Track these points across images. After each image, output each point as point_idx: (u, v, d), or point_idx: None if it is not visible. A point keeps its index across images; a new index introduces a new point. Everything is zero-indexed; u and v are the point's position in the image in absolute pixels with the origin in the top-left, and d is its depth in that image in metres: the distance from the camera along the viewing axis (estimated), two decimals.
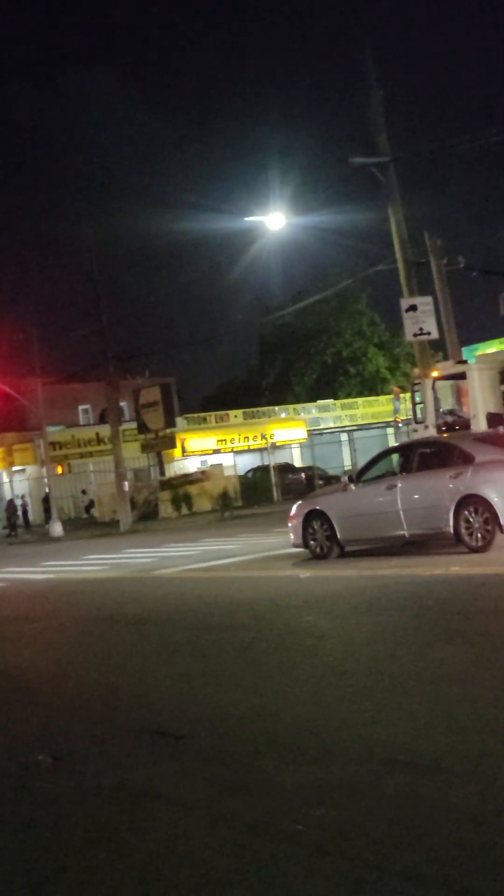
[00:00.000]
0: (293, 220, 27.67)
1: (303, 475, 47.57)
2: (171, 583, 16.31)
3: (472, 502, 13.83)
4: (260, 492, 44.49)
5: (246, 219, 28.24)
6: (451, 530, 14.12)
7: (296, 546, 16.90)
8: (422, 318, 22.03)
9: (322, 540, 16.24)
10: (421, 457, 15.41)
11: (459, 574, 12.13)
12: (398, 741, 5.40)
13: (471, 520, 13.85)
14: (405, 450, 16.51)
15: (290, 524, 17.12)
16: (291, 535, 17.04)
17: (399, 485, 15.05)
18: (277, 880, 3.87)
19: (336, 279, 49.97)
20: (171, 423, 43.27)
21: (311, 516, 16.51)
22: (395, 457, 16.81)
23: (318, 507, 16.56)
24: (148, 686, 8.00)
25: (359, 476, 16.58)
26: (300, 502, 17.60)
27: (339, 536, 15.98)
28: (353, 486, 16.11)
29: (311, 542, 16.43)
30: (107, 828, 4.67)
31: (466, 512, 13.90)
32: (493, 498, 13.58)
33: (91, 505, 50.50)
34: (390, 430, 56.96)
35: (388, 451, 17.90)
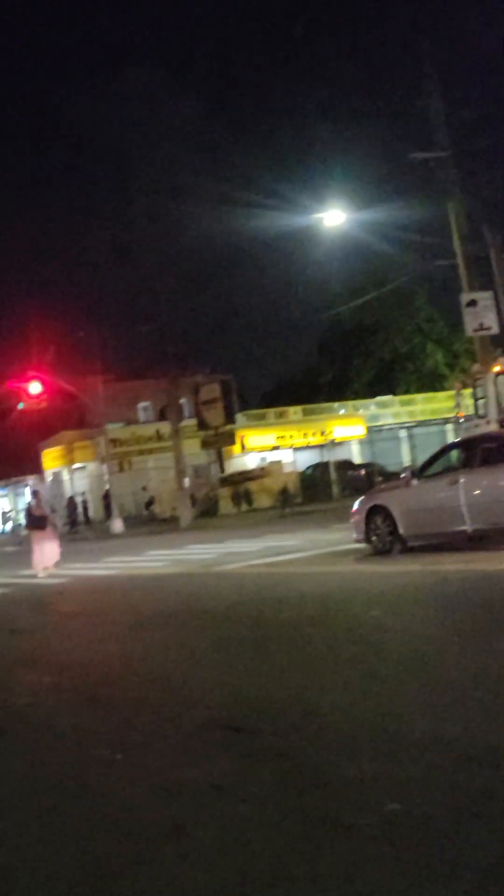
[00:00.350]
0: (352, 217, 27.59)
1: (362, 471, 47.36)
2: (233, 578, 16.32)
3: None
4: (319, 488, 44.37)
5: (305, 216, 28.22)
6: None
7: (358, 541, 16.84)
8: (482, 313, 21.88)
9: (384, 535, 16.13)
10: (483, 452, 15.23)
11: None
12: (469, 736, 5.33)
13: None
14: (467, 445, 16.34)
15: (352, 520, 17.06)
16: (354, 531, 16.99)
17: (462, 480, 14.91)
18: (348, 875, 3.83)
19: (394, 275, 49.69)
20: (230, 419, 43.34)
21: (373, 512, 16.42)
22: (456, 452, 16.68)
23: (380, 503, 16.47)
24: (212, 681, 7.99)
25: (421, 471, 16.47)
26: (362, 498, 17.53)
27: (401, 532, 15.87)
28: (415, 482, 16.02)
29: (374, 538, 16.34)
30: (175, 822, 4.64)
31: None
32: None
33: (151, 501, 50.76)
34: (449, 426, 56.49)
35: (451, 447, 17.73)
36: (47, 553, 22.47)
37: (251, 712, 6.61)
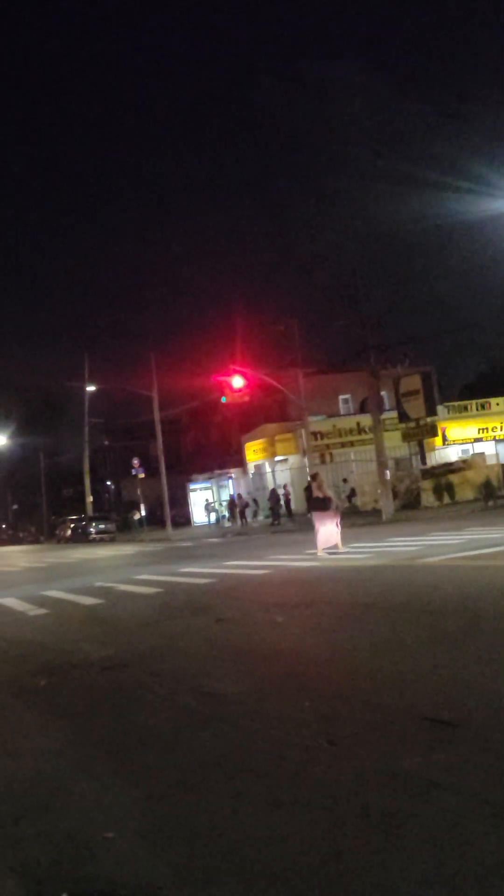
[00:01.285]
0: None
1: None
2: (438, 571, 16.06)
3: None
4: None
5: None
6: None
7: None
8: None
9: None
10: None
11: None
12: None
13: None
14: None
15: None
16: None
17: None
18: None
19: None
20: (431, 411, 42.82)
21: None
22: None
23: None
24: (420, 673, 7.87)
25: None
26: None
27: None
28: None
29: None
30: (385, 813, 4.63)
31: None
32: None
33: (353, 494, 50.71)
34: None
35: None
36: (329, 534, 23.12)
37: (462, 706, 6.49)
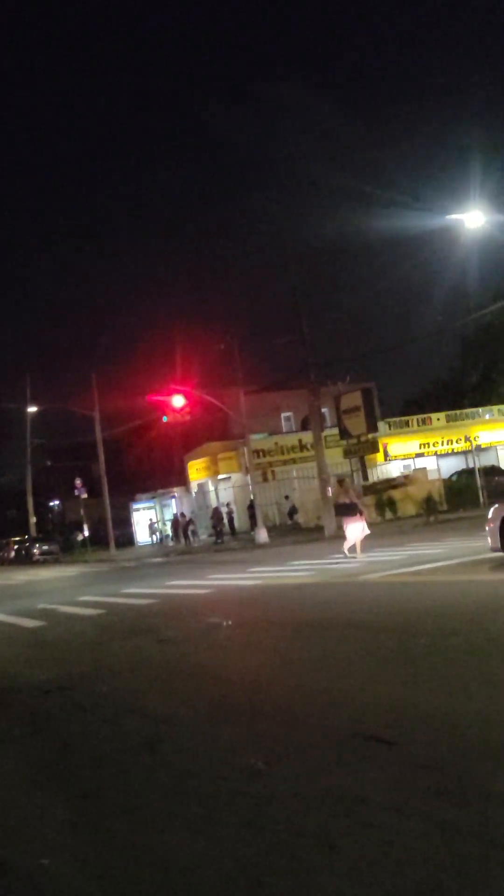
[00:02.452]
0: (493, 217, 27.12)
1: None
2: (378, 587, 16.21)
3: None
4: (465, 495, 43.70)
5: (445, 217, 27.88)
6: None
7: (493, 550, 16.79)
8: None
9: None
10: None
11: None
12: None
13: None
14: None
15: (487, 528, 16.95)
16: (489, 539, 16.89)
17: None
18: (497, 890, 3.77)
19: None
20: (372, 427, 43.08)
21: None
22: None
23: None
24: (356, 691, 7.94)
25: None
26: (496, 506, 17.44)
27: None
28: None
29: None
30: (321, 832, 4.68)
31: None
32: None
33: (295, 511, 50.85)
34: None
35: None
36: (357, 537, 23.68)
37: (398, 723, 6.55)
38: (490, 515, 17.01)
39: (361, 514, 24.25)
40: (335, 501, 24.75)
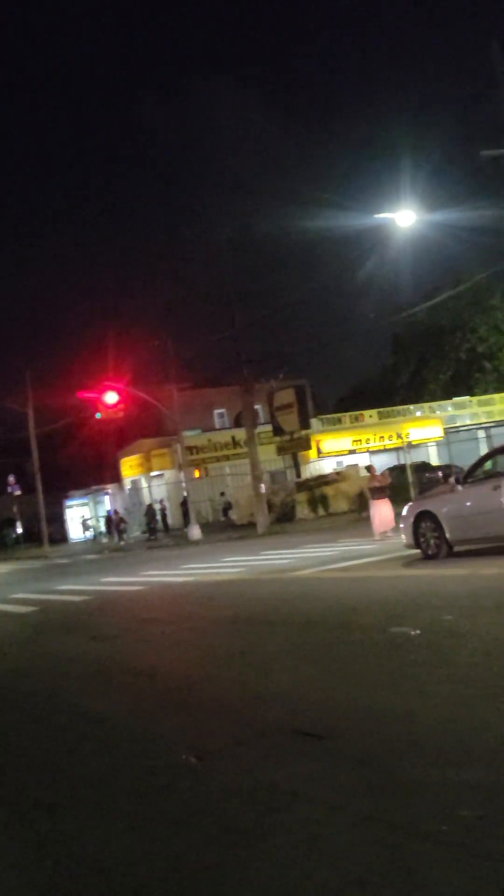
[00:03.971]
0: (424, 217, 27.41)
1: (440, 474, 46.96)
2: (309, 583, 16.33)
3: None
4: (397, 491, 44.11)
5: (375, 216, 28.10)
6: None
7: (408, 547, 17.17)
8: None
9: (431, 540, 16.35)
10: None
11: None
12: None
13: None
14: None
15: (401, 525, 17.30)
16: (403, 536, 17.32)
17: None
18: (422, 882, 3.85)
19: (469, 274, 49.23)
20: (305, 424, 43.31)
21: (421, 517, 16.69)
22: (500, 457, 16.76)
23: (427, 509, 16.71)
24: (287, 686, 8.01)
25: (466, 477, 16.44)
26: (411, 503, 17.82)
27: (448, 536, 16.08)
28: (460, 487, 16.10)
29: (422, 542, 16.58)
30: (251, 827, 4.71)
31: None
32: None
33: (228, 507, 50.93)
34: None
35: (495, 452, 17.76)
36: (385, 519, 23.81)
37: (328, 718, 6.63)
38: (404, 513, 17.40)
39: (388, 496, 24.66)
40: (368, 486, 25.11)
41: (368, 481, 25.56)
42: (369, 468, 26.77)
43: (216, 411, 65.18)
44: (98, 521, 66.47)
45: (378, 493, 24.22)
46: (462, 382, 68.28)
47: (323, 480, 45.51)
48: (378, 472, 25.98)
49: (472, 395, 65.96)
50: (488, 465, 17.14)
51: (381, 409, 62.54)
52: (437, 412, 63.16)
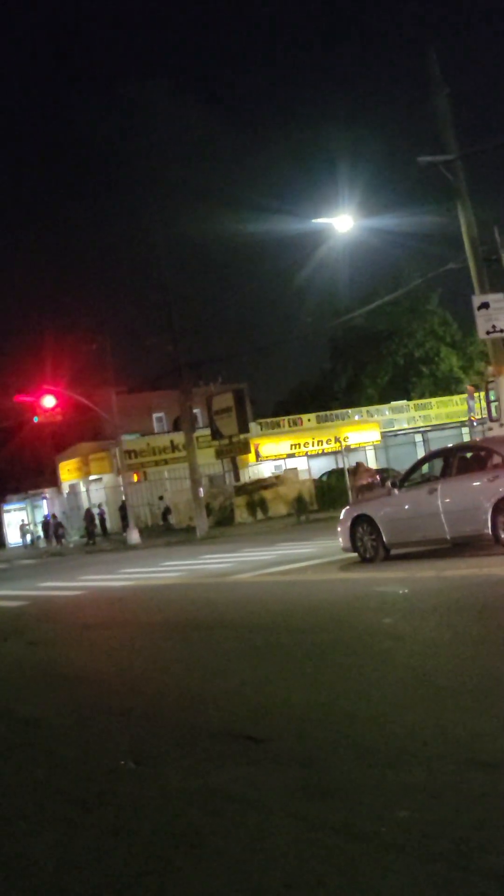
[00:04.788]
0: (362, 222, 27.56)
1: (378, 477, 47.35)
2: (248, 587, 16.35)
3: None
4: (335, 495, 44.31)
5: (314, 221, 28.22)
6: (490, 532, 14.16)
7: (345, 550, 17.27)
8: (495, 315, 21.76)
9: (368, 544, 16.42)
10: (460, 461, 15.54)
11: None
12: (480, 742, 5.35)
13: None
14: (446, 454, 16.56)
15: (338, 529, 17.39)
16: (340, 540, 17.35)
17: (439, 489, 15.11)
18: (361, 882, 3.86)
19: (406, 279, 49.67)
20: (244, 428, 43.32)
21: (358, 521, 16.79)
22: (434, 461, 17.00)
23: (364, 512, 16.82)
24: (226, 690, 8.02)
25: (402, 481, 16.60)
26: (347, 507, 17.92)
27: (385, 540, 16.18)
28: (396, 491, 16.26)
29: (359, 546, 16.64)
30: (189, 831, 4.70)
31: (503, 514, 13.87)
32: None
33: (167, 512, 50.80)
34: (465, 430, 56.40)
35: (431, 456, 17.95)
36: None
37: (266, 721, 6.64)
38: (342, 516, 17.48)
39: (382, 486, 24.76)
40: (356, 484, 25.10)
41: (356, 479, 25.48)
42: (358, 465, 26.78)
43: (155, 415, 64.95)
44: (36, 525, 65.90)
45: (367, 491, 24.25)
46: (399, 387, 68.77)
47: (262, 484, 45.56)
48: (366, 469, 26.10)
49: (409, 399, 66.48)
50: (425, 468, 17.35)
51: (319, 413, 62.74)
52: (375, 416, 63.52)
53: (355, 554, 16.80)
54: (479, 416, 30.88)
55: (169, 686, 8.65)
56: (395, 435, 62.02)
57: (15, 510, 72.74)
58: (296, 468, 51.28)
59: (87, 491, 58.90)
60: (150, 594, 17.95)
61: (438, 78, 23.04)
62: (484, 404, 24.76)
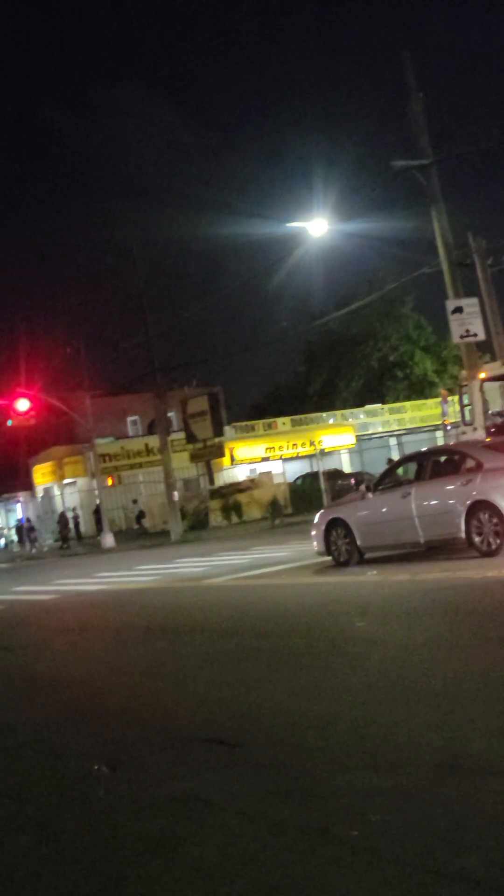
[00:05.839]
0: (336, 227, 27.62)
1: (352, 481, 47.42)
2: (222, 591, 16.34)
3: (482, 508, 13.90)
4: (309, 498, 44.36)
5: (288, 225, 28.28)
6: (464, 536, 14.20)
7: (320, 554, 17.25)
8: (468, 319, 21.87)
9: (342, 547, 16.47)
10: (434, 465, 15.60)
11: (487, 578, 12.12)
12: (454, 746, 5.37)
13: (481, 525, 13.89)
14: (420, 458, 16.66)
15: (312, 532, 17.38)
16: (315, 543, 17.34)
17: (413, 492, 15.16)
18: (334, 887, 3.86)
19: (381, 283, 49.85)
20: (219, 432, 43.34)
21: (332, 525, 16.80)
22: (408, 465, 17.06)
23: (338, 516, 16.85)
24: (201, 694, 8.01)
25: (376, 484, 16.65)
26: (322, 511, 17.93)
27: (358, 543, 16.22)
28: (370, 495, 16.28)
29: (333, 550, 16.70)
30: (163, 836, 4.68)
31: (477, 518, 13.96)
32: (502, 503, 13.58)
33: (142, 515, 50.72)
34: (439, 434, 56.61)
35: (404, 460, 18.00)
36: None
37: (240, 725, 6.64)
38: (316, 520, 17.50)
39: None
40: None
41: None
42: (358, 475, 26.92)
43: (129, 419, 64.88)
44: (10, 529, 65.62)
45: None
46: (374, 390, 68.99)
47: (236, 488, 45.58)
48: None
49: (383, 402, 66.70)
50: (399, 472, 17.40)
51: (294, 417, 62.83)
52: (350, 420, 63.70)
53: (329, 557, 16.81)
54: (453, 420, 31.04)
55: (142, 691, 8.63)
56: (370, 438, 62.23)
57: None
58: (270, 472, 51.33)
59: (62, 494, 58.75)
60: (125, 598, 17.91)
61: (413, 82, 23.15)
62: (458, 408, 24.81)
